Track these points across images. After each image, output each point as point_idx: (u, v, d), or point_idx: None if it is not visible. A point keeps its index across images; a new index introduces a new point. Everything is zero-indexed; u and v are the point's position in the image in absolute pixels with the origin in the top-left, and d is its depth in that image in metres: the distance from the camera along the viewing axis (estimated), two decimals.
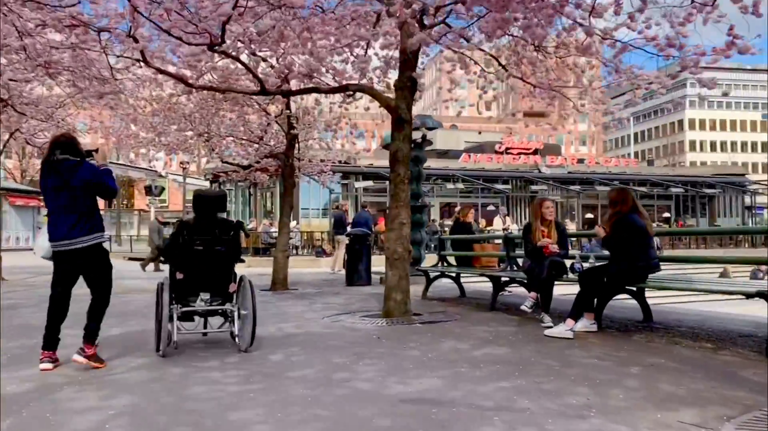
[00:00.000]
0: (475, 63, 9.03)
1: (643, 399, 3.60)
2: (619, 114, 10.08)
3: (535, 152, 37.56)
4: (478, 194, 32.22)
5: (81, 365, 4.55)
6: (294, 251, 21.18)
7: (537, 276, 6.71)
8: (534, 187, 32.95)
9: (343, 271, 13.73)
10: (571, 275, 6.63)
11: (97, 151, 4.87)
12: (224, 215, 5.30)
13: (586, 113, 10.21)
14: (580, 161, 38.23)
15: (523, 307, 6.60)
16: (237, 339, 5.15)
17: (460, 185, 30.46)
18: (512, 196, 32.83)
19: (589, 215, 34.20)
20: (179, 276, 5.03)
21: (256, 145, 12.47)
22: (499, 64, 9.23)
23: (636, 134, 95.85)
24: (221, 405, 3.58)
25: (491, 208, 27.92)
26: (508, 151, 36.83)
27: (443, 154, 34.98)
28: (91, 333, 4.69)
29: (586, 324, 5.96)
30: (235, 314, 5.13)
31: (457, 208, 30.44)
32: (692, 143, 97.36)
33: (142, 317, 6.82)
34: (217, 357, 4.91)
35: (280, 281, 11.31)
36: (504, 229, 19.07)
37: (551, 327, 6.15)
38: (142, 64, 7.67)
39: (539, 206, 7.02)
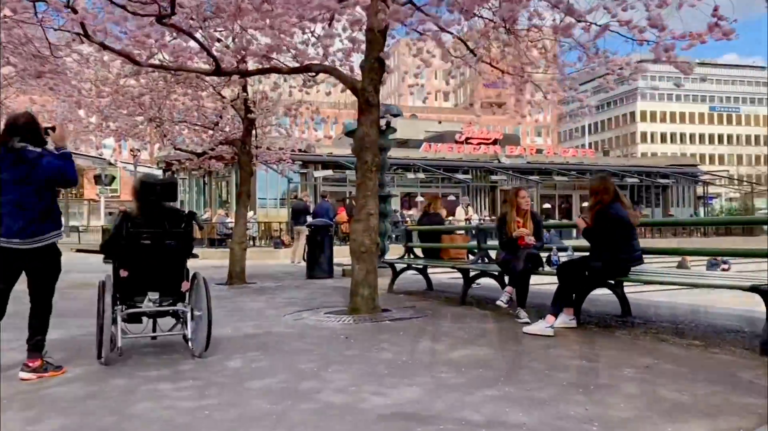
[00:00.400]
0: (443, 47, 8.63)
1: (646, 409, 3.25)
2: (587, 101, 9.80)
3: (495, 142, 37.52)
4: (438, 184, 31.99)
5: (31, 382, 3.98)
6: (251, 242, 20.49)
7: (512, 269, 6.37)
8: (494, 177, 32.91)
9: (303, 263, 13.21)
10: (548, 268, 6.34)
11: (54, 129, 4.23)
12: (175, 205, 4.75)
13: (550, 103, 9.92)
14: (539, 151, 38.39)
15: (498, 302, 6.25)
16: (190, 343, 4.62)
17: (421, 175, 30.15)
18: (473, 186, 32.72)
19: (547, 205, 34.44)
20: (123, 273, 4.47)
21: (211, 132, 11.82)
22: (468, 48, 8.83)
23: (590, 125, 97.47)
24: (171, 427, 3.08)
25: (452, 197, 27.70)
26: (468, 140, 36.69)
27: (403, 143, 34.60)
28: (36, 346, 4.13)
29: (565, 320, 5.64)
30: (188, 315, 4.60)
31: (419, 198, 30.18)
32: (644, 134, 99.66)
33: (87, 317, 6.16)
34: (168, 365, 4.38)
35: (237, 274, 10.75)
36: (466, 219, 18.80)
37: (528, 323, 5.83)
38: (84, 39, 6.99)
39: (515, 195, 6.67)
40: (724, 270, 20.17)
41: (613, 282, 6.19)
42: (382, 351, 4.80)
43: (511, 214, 6.59)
